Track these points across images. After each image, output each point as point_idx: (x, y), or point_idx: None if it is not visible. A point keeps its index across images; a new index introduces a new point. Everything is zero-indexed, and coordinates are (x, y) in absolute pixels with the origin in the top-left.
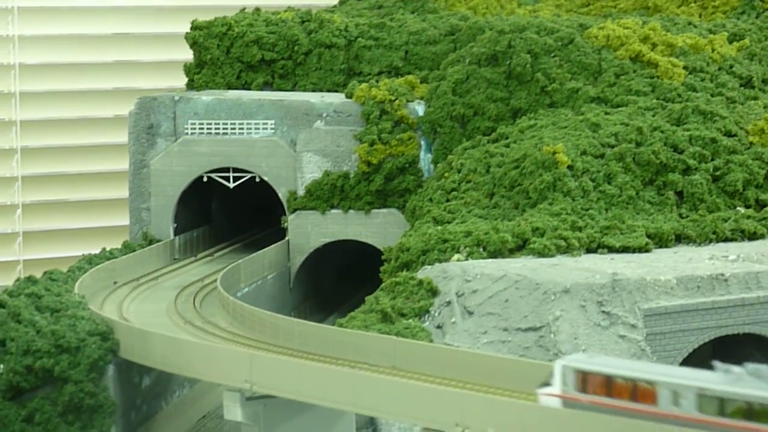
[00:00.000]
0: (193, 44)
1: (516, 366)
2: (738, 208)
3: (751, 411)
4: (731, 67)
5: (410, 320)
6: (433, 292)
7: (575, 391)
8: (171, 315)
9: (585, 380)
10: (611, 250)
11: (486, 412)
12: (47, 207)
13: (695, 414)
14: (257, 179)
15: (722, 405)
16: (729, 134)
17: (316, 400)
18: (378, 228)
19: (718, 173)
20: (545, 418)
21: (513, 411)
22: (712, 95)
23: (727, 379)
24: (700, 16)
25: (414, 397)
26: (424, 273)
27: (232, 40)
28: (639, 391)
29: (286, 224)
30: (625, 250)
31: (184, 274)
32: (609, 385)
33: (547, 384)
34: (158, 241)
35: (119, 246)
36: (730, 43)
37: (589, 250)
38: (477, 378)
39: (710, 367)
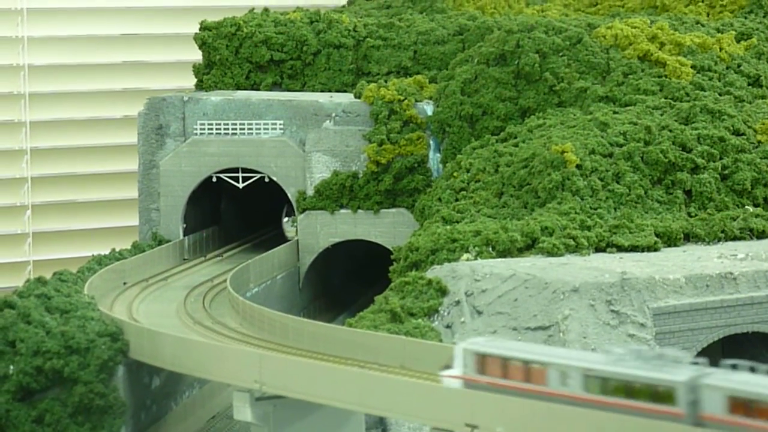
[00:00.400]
0: (202, 45)
1: None
2: (746, 206)
3: (631, 389)
4: (739, 66)
5: (419, 320)
6: (443, 291)
7: (475, 372)
8: (181, 315)
9: (483, 362)
10: (620, 249)
11: (495, 412)
12: (57, 208)
13: (581, 393)
14: (266, 179)
15: (605, 384)
16: (737, 133)
17: (326, 401)
18: (387, 228)
19: (726, 172)
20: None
21: (522, 410)
22: (720, 94)
23: (610, 360)
24: (707, 15)
25: (423, 397)
26: (434, 272)
27: (241, 41)
28: (531, 372)
29: (295, 224)
30: (633, 249)
31: (194, 274)
32: (505, 366)
33: (448, 367)
34: (168, 241)
35: (129, 246)
36: (738, 42)
37: (598, 249)
38: None
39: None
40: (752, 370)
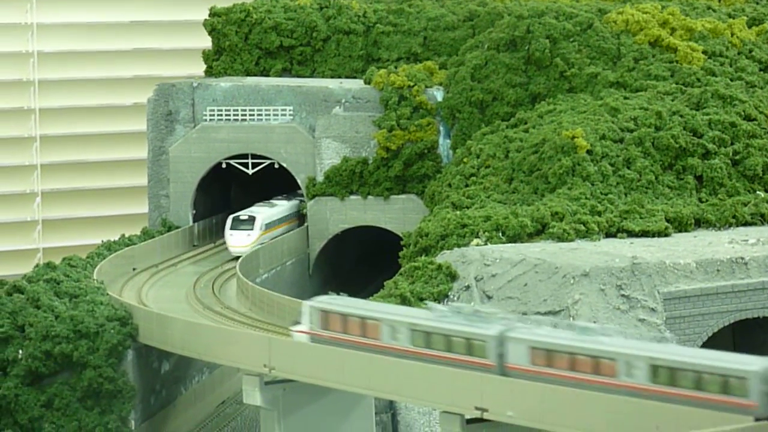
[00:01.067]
0: (212, 31)
1: None
2: (757, 192)
3: (450, 343)
4: (750, 51)
5: (429, 304)
6: (452, 276)
7: (319, 328)
8: (190, 301)
9: (327, 319)
10: (630, 234)
11: (505, 396)
12: (66, 195)
13: (408, 346)
14: (276, 165)
15: (428, 338)
16: (748, 118)
17: (335, 384)
18: (397, 214)
19: (737, 157)
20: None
21: (533, 393)
22: (731, 79)
23: (434, 316)
24: (719, 0)
25: (433, 381)
26: (443, 257)
27: (251, 27)
28: (367, 327)
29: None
30: (644, 234)
31: (203, 260)
32: (345, 322)
33: (297, 323)
34: (177, 227)
35: (138, 233)
36: (749, 27)
37: (608, 235)
38: None
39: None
40: (554, 326)
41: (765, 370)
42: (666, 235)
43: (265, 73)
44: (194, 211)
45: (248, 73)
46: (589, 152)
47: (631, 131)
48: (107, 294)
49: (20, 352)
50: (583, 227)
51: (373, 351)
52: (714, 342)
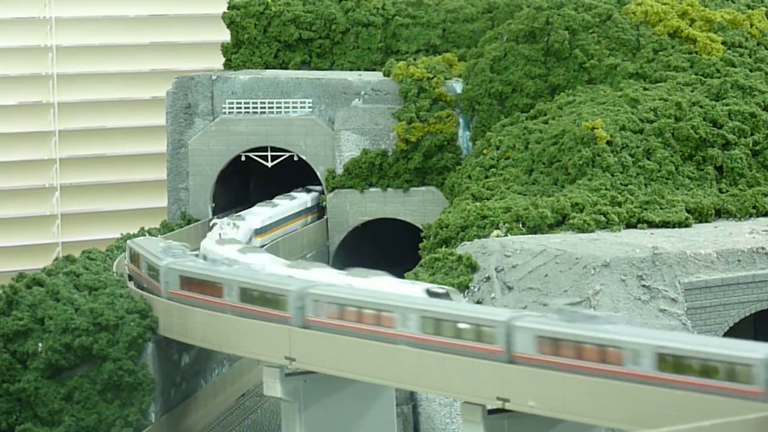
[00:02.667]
0: (231, 24)
1: None
2: None
3: (265, 299)
4: None
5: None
6: (473, 267)
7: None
8: None
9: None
10: (651, 225)
11: (527, 385)
12: (85, 189)
13: (237, 302)
14: (295, 158)
15: (247, 294)
16: None
17: (356, 376)
18: (416, 206)
19: (757, 148)
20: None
21: (556, 383)
22: (750, 70)
23: (248, 274)
24: None
25: (454, 371)
26: (464, 249)
27: (270, 20)
28: (210, 288)
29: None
30: (665, 225)
31: None
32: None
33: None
34: (197, 220)
35: (158, 226)
36: None
37: (628, 225)
38: None
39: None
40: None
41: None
42: (686, 226)
43: (284, 66)
44: (213, 204)
45: (267, 66)
46: (608, 143)
47: (651, 122)
48: (127, 286)
49: (40, 345)
50: (603, 218)
51: (218, 309)
52: (735, 332)
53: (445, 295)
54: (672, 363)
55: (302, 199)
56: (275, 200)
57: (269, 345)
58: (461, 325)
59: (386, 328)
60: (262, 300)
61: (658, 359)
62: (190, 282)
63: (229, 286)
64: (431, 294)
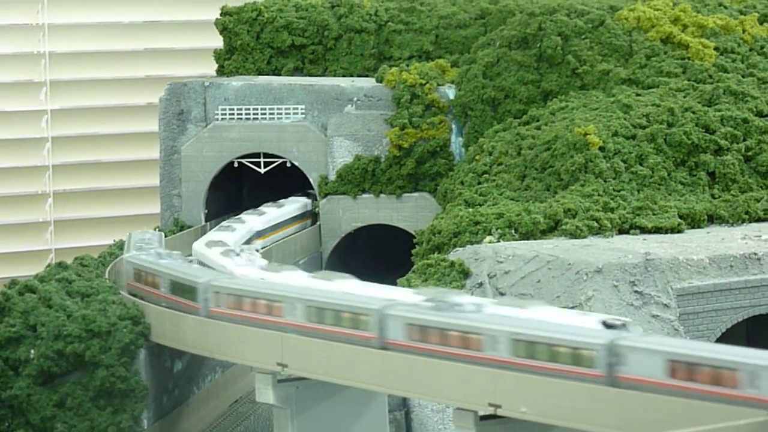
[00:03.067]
0: (223, 30)
1: None
2: None
3: (183, 290)
4: (762, 47)
5: None
6: (465, 273)
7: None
8: None
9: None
10: (643, 230)
11: (518, 391)
12: (78, 196)
13: (167, 293)
14: (288, 164)
15: (172, 285)
16: (761, 114)
17: (348, 382)
18: (409, 212)
19: (750, 153)
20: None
21: (547, 390)
22: (743, 76)
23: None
24: None
25: (446, 377)
26: (456, 255)
27: (262, 26)
28: (156, 282)
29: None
30: (657, 230)
31: None
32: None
33: None
34: (189, 227)
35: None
36: (761, 23)
37: (621, 231)
38: None
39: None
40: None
41: (610, 342)
42: (679, 232)
43: (276, 72)
44: (206, 211)
45: (260, 72)
46: (601, 149)
47: (644, 128)
48: (119, 293)
49: (32, 351)
50: (595, 224)
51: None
52: (728, 338)
53: (622, 327)
54: (525, 348)
55: (302, 202)
56: (263, 207)
57: (261, 351)
58: (341, 314)
59: (275, 317)
60: (180, 290)
61: (514, 346)
62: (138, 274)
63: (164, 278)
64: (607, 326)
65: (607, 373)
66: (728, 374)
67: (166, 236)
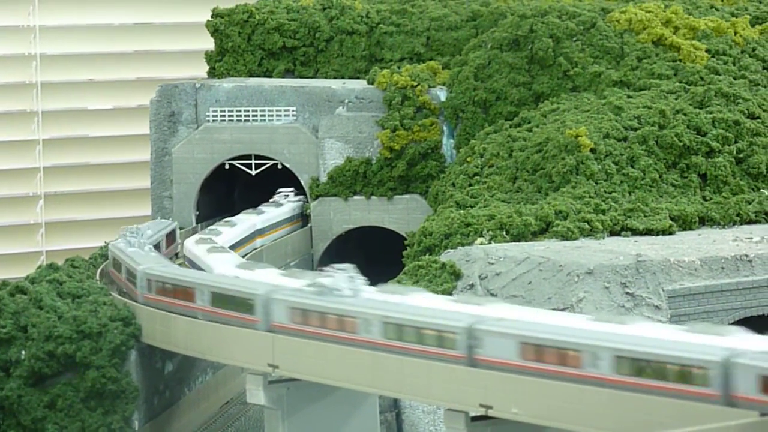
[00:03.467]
0: (214, 32)
1: None
2: (762, 190)
3: (129, 273)
4: (754, 50)
5: None
6: (456, 275)
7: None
8: None
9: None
10: (635, 232)
11: (510, 392)
12: (69, 198)
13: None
14: (279, 166)
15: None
16: (752, 116)
17: (340, 383)
18: (400, 214)
19: (741, 155)
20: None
21: (539, 389)
22: (734, 78)
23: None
24: None
25: (437, 379)
26: (447, 256)
27: (254, 28)
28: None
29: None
30: (648, 232)
31: None
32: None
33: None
34: (181, 229)
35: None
36: (753, 26)
37: (612, 233)
38: None
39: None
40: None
41: (470, 326)
42: (670, 233)
43: (268, 74)
44: (197, 213)
45: (251, 74)
46: (592, 151)
47: (635, 130)
48: (110, 294)
49: (23, 352)
50: (587, 226)
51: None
52: None
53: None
54: (395, 331)
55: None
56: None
57: (252, 352)
58: (233, 301)
59: (188, 302)
60: (131, 276)
61: (384, 329)
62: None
63: (128, 272)
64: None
65: (468, 354)
66: (573, 355)
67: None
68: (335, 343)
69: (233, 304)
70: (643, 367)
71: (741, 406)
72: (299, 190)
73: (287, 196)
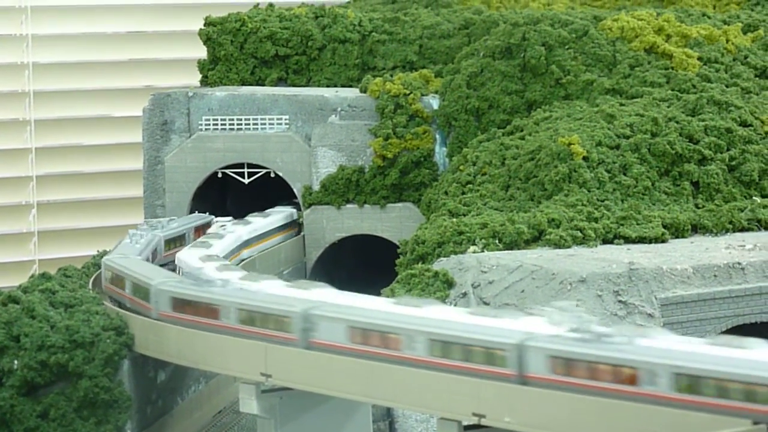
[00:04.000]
0: (207, 40)
1: None
2: (754, 197)
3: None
4: (746, 57)
5: None
6: (449, 283)
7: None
8: None
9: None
10: (627, 240)
11: (502, 401)
12: (62, 206)
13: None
14: (272, 175)
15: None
16: (744, 124)
17: (332, 392)
18: (393, 222)
19: (733, 163)
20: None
21: (531, 398)
22: (726, 86)
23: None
24: (714, 7)
25: (430, 388)
26: (440, 265)
27: (246, 36)
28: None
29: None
30: (641, 240)
31: None
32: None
33: None
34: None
35: None
36: (745, 33)
37: (605, 241)
38: None
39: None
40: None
41: (305, 311)
42: (663, 241)
43: (260, 83)
44: None
45: (244, 83)
46: (585, 159)
47: (627, 138)
48: (103, 303)
49: (15, 362)
50: (579, 234)
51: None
52: None
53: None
54: (247, 317)
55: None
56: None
57: (245, 361)
58: (136, 288)
59: (119, 289)
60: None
61: (239, 315)
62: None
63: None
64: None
65: (302, 337)
66: (393, 338)
67: None
68: (209, 331)
69: (132, 290)
70: (453, 350)
71: (533, 384)
72: (293, 198)
73: (223, 226)
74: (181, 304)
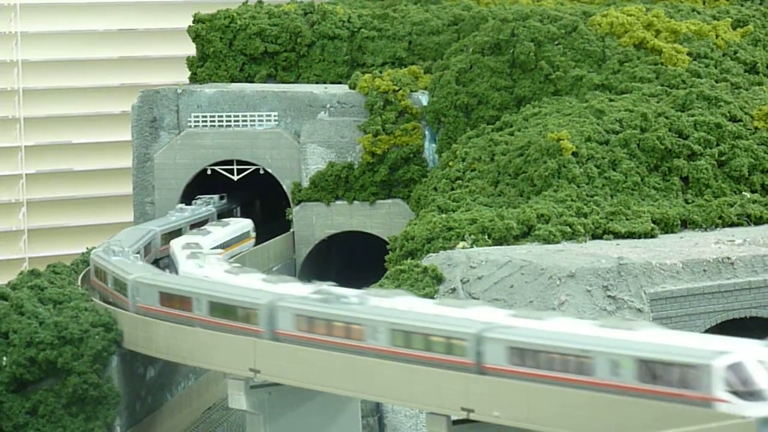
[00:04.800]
0: (196, 37)
1: None
2: (743, 193)
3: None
4: (735, 52)
5: None
6: (438, 279)
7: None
8: None
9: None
10: (617, 235)
11: (491, 396)
12: (52, 204)
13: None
14: (261, 171)
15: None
16: (734, 119)
17: (321, 387)
18: (383, 218)
19: (723, 158)
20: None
21: (519, 394)
22: (716, 81)
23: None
24: (703, 2)
25: (418, 382)
26: (429, 260)
27: (235, 33)
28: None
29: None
30: (630, 235)
31: None
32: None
33: None
34: None
35: None
36: (734, 29)
37: (594, 236)
38: None
39: None
40: None
41: (270, 301)
42: (652, 236)
43: (249, 79)
44: None
45: (233, 80)
46: (574, 154)
47: (617, 133)
48: (91, 300)
49: (4, 358)
50: (569, 229)
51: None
52: None
53: None
54: (168, 299)
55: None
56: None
57: (234, 357)
58: (117, 282)
59: (102, 282)
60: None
61: (160, 297)
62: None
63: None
64: None
65: (267, 329)
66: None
67: None
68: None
69: (114, 285)
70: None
71: (489, 374)
72: (282, 196)
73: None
74: (167, 297)
